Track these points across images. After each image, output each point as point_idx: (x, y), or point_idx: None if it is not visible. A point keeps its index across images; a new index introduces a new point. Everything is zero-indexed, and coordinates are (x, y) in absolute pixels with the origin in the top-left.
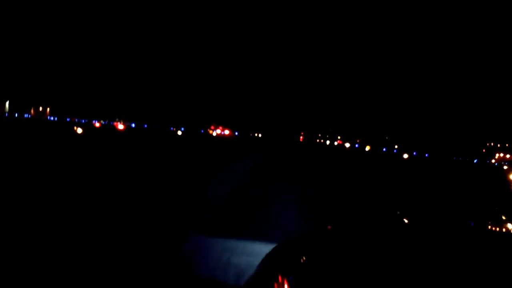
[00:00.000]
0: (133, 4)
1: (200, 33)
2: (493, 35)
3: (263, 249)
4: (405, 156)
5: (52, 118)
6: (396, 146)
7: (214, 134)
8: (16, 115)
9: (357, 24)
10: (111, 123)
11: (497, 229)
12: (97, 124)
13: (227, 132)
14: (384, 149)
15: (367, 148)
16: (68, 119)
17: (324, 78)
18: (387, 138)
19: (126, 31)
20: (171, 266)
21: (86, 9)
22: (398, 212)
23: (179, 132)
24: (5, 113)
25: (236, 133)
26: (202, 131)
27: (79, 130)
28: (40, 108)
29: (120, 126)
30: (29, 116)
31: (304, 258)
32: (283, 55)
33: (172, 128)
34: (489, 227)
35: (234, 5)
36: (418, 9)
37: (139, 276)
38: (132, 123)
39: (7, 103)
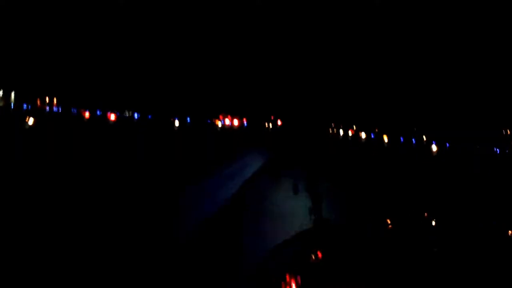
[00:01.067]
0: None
1: (206, 17)
2: None
3: (266, 247)
4: (434, 149)
5: (57, 109)
6: (424, 138)
7: (220, 125)
8: (21, 106)
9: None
10: (107, 113)
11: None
12: (88, 115)
13: (236, 122)
14: (401, 139)
15: (385, 138)
16: (74, 110)
17: (338, 66)
18: (415, 129)
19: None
20: (173, 265)
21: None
22: (401, 212)
23: (176, 123)
24: (10, 104)
25: (245, 124)
26: (209, 121)
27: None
28: (46, 99)
29: (112, 117)
30: (34, 107)
31: (312, 257)
32: (296, 42)
33: (176, 118)
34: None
35: None
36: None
37: (138, 275)
38: (134, 113)
39: (12, 94)
